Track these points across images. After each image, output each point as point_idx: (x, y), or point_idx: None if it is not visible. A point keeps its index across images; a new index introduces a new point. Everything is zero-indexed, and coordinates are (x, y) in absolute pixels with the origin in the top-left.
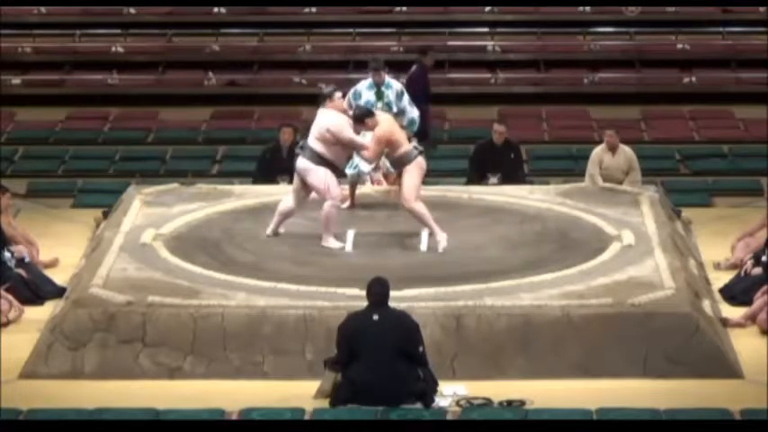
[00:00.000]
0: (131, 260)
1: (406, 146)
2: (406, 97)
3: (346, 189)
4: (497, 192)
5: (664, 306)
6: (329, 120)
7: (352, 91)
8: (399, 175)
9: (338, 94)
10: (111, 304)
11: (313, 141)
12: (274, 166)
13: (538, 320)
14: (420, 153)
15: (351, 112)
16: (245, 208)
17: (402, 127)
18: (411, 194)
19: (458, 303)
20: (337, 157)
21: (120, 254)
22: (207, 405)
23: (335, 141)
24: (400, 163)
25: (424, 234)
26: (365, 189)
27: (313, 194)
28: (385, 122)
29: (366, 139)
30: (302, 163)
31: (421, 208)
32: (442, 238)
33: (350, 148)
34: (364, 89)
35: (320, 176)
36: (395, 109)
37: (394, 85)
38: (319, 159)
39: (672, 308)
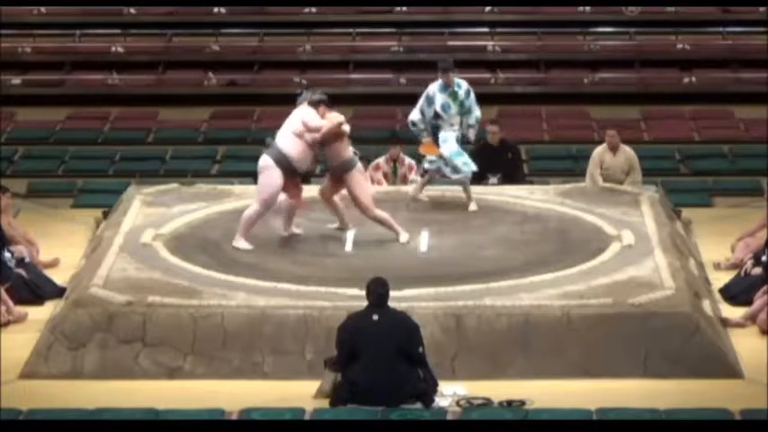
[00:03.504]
0: (131, 260)
1: (349, 152)
2: (472, 96)
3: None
4: (497, 192)
5: (664, 306)
6: (302, 113)
7: (423, 96)
8: (336, 181)
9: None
10: (111, 304)
11: (282, 140)
12: None
13: (538, 320)
14: (360, 158)
15: (413, 118)
16: (245, 208)
17: (469, 126)
18: (369, 203)
19: (458, 303)
20: (301, 158)
21: (120, 254)
22: (207, 405)
23: (306, 130)
24: (342, 169)
25: (425, 234)
26: None
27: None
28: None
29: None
30: (264, 160)
31: (383, 213)
32: (405, 237)
33: (315, 138)
34: (437, 92)
35: (270, 179)
36: (465, 109)
37: (463, 84)
38: (282, 159)
39: (672, 308)
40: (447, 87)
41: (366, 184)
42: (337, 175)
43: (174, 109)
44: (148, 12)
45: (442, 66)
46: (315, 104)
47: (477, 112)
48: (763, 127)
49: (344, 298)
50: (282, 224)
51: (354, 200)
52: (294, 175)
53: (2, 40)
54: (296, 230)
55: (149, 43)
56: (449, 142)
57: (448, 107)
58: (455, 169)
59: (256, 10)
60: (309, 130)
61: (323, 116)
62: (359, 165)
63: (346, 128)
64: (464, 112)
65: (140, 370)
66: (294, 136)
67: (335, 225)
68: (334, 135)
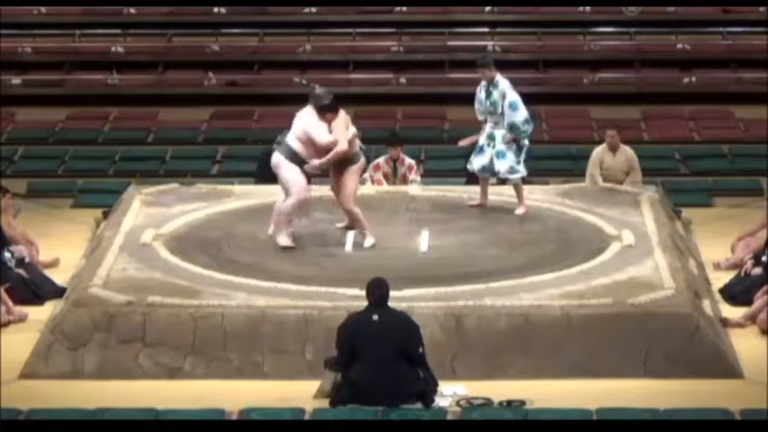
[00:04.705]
0: (131, 260)
1: (355, 146)
2: (509, 99)
3: (309, 191)
4: (497, 192)
5: (664, 306)
6: (307, 121)
7: (479, 87)
8: (340, 172)
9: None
10: (111, 304)
11: (291, 139)
12: None
13: (538, 320)
14: (363, 154)
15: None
16: (245, 208)
17: (507, 130)
18: (352, 196)
19: (458, 303)
20: (311, 159)
21: (120, 254)
22: (207, 405)
23: (309, 142)
24: (350, 161)
25: (425, 234)
26: (365, 189)
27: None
28: (342, 117)
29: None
30: (276, 158)
31: (358, 209)
32: (370, 241)
33: (321, 151)
34: (481, 86)
35: (292, 173)
36: (499, 110)
37: (500, 84)
38: (294, 157)
39: (672, 308)
40: (486, 84)
41: (358, 178)
42: (341, 167)
43: (174, 109)
44: (148, 12)
45: (479, 62)
46: (321, 111)
47: (512, 118)
48: (763, 127)
49: (344, 298)
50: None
51: (340, 187)
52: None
53: (2, 40)
54: (339, 226)
55: (149, 43)
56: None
57: (480, 103)
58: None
59: (256, 10)
60: (315, 144)
61: (330, 122)
62: (361, 161)
63: (352, 130)
64: (501, 113)
65: (140, 370)
66: (299, 142)
67: (344, 224)
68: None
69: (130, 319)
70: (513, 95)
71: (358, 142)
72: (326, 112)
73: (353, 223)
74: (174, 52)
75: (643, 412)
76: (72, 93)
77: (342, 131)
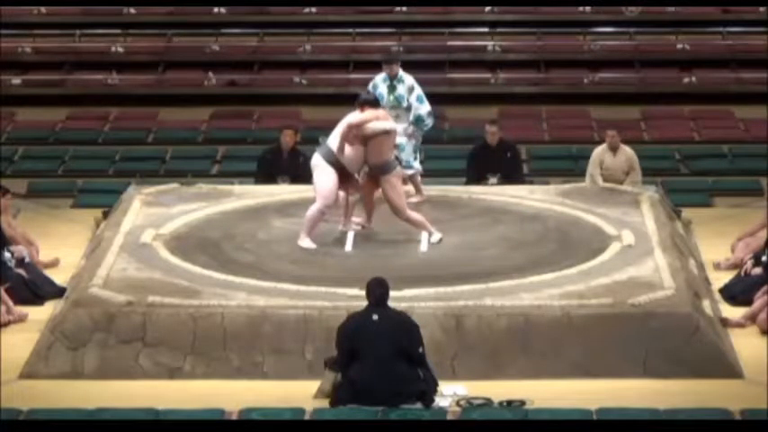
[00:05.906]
0: (131, 260)
1: (391, 154)
2: (416, 93)
3: (337, 195)
4: (497, 192)
5: (664, 306)
6: (348, 116)
7: (371, 83)
8: (371, 179)
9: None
10: (111, 304)
11: (331, 140)
12: (274, 168)
13: (538, 320)
14: (399, 162)
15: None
16: (246, 208)
17: (410, 122)
18: (403, 205)
19: (458, 303)
20: (350, 161)
21: (120, 254)
22: (207, 405)
23: (348, 129)
24: (380, 170)
25: (424, 234)
26: None
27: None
28: (380, 113)
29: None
30: (315, 158)
31: (416, 215)
32: (436, 237)
33: (355, 156)
34: (380, 82)
35: (323, 176)
36: (405, 104)
37: (406, 79)
38: (331, 157)
39: (672, 308)
40: (388, 79)
41: (401, 186)
42: (374, 175)
43: (174, 109)
44: (148, 12)
45: (386, 58)
46: (360, 105)
47: (417, 111)
48: (763, 127)
49: (344, 298)
50: (342, 219)
51: (388, 202)
52: (347, 172)
53: (2, 40)
54: (356, 221)
55: (149, 43)
56: None
57: (382, 98)
58: None
59: (256, 10)
60: (350, 126)
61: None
62: (397, 168)
63: (392, 125)
64: (406, 107)
65: (140, 370)
66: (340, 138)
67: (358, 220)
68: (376, 134)
69: (130, 319)
70: (419, 89)
71: (395, 152)
72: (364, 105)
73: (418, 228)
74: (174, 52)
75: (643, 412)
76: (72, 93)
77: (362, 116)
